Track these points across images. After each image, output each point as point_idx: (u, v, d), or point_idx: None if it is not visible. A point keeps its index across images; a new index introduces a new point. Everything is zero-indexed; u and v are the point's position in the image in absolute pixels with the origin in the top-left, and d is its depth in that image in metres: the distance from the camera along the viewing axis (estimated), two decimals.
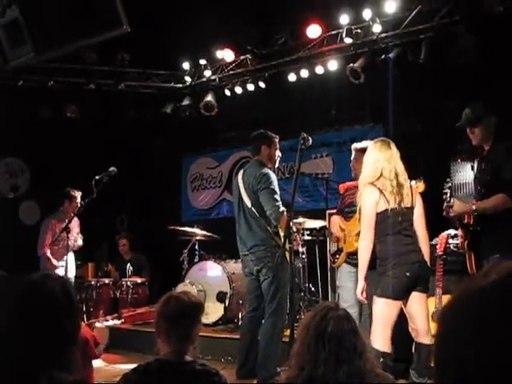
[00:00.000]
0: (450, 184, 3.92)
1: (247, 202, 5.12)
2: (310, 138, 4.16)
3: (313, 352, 2.07)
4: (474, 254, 4.15)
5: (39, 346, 1.71)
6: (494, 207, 3.93)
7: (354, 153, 5.01)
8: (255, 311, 5.27)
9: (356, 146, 5.03)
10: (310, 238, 6.90)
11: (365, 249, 3.95)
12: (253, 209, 5.08)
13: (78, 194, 7.15)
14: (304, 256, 6.87)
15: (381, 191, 3.93)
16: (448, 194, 3.91)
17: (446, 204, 3.94)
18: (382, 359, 3.59)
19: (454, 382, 0.81)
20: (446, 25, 6.62)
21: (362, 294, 4.04)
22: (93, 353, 3.57)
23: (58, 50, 4.12)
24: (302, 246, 6.84)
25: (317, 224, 6.75)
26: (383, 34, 7.14)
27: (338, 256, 5.10)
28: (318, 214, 7.01)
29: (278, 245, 4.95)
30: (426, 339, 3.96)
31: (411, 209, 4.02)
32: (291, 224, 4.02)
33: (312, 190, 8.71)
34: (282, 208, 4.94)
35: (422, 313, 3.98)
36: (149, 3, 7.42)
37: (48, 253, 7.08)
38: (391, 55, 7.03)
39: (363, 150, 4.78)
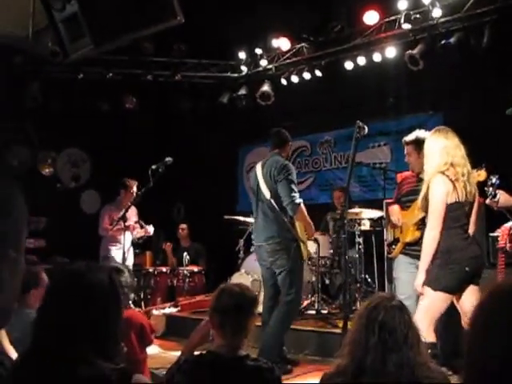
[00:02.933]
0: (493, 180, 3.75)
1: (266, 193, 5.11)
2: (365, 127, 4.08)
3: (363, 340, 2.09)
4: None
5: (82, 334, 1.72)
6: None
7: (405, 147, 4.88)
8: (273, 300, 5.27)
9: (406, 139, 4.89)
10: (367, 228, 6.79)
11: (433, 240, 3.82)
12: (272, 200, 5.06)
13: (133, 184, 7.27)
14: (361, 246, 6.77)
15: (453, 182, 3.81)
16: (491, 190, 3.74)
17: (489, 200, 3.79)
18: (430, 350, 3.50)
19: (480, 376, 0.80)
20: (510, 6, 6.34)
21: (421, 286, 3.89)
22: (148, 338, 3.65)
23: (115, 41, 4.20)
24: (359, 237, 6.76)
25: (374, 214, 6.64)
26: (443, 19, 6.91)
27: (394, 246, 4.99)
28: (375, 204, 6.89)
29: (293, 238, 4.99)
30: None
31: (473, 202, 3.92)
32: (345, 214, 3.95)
33: (369, 180, 8.57)
34: (299, 200, 4.97)
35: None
36: None
37: (110, 231, 7.16)
38: (452, 40, 6.78)
39: (414, 142, 4.68)
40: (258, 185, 5.20)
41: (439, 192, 3.83)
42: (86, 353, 1.68)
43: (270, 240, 5.06)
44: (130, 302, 3.75)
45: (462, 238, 3.87)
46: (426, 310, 3.81)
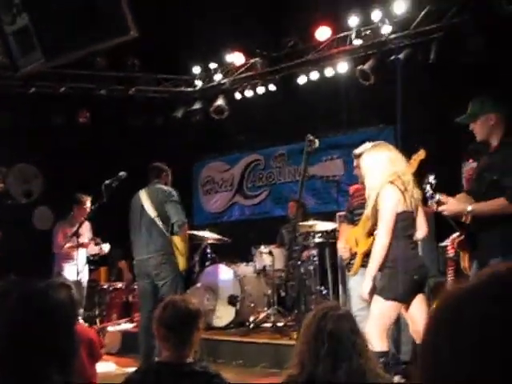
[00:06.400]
0: (430, 179, 3.85)
1: (151, 213, 5.71)
2: (316, 140, 4.14)
3: (312, 350, 2.11)
4: (469, 254, 4.07)
5: (46, 355, 1.70)
6: (491, 211, 3.73)
7: (354, 160, 4.97)
8: (152, 313, 5.34)
9: (355, 151, 4.94)
10: (320, 240, 6.86)
11: (383, 248, 3.83)
12: (156, 219, 5.69)
13: (87, 199, 7.16)
14: (315, 258, 6.82)
15: (401, 192, 3.89)
16: (429, 190, 3.83)
17: (431, 201, 3.87)
18: (382, 359, 3.54)
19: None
20: (455, 24, 6.59)
21: (368, 294, 3.96)
22: (98, 354, 3.59)
23: (67, 55, 4.17)
24: (313, 249, 6.82)
25: (327, 226, 6.71)
26: (392, 35, 7.13)
27: (352, 262, 4.99)
28: (329, 217, 6.98)
29: (173, 251, 5.66)
30: None
31: (416, 212, 4.00)
32: (296, 227, 4.00)
33: (323, 193, 8.68)
34: (185, 219, 5.79)
35: (424, 314, 3.92)
36: (158, 8, 7.46)
37: (64, 248, 7.00)
38: (401, 56, 7.00)
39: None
40: (142, 206, 5.81)
41: (390, 202, 3.87)
42: (49, 372, 1.62)
43: (155, 253, 5.60)
44: (80, 317, 3.69)
45: (411, 247, 3.93)
46: (378, 318, 3.85)
